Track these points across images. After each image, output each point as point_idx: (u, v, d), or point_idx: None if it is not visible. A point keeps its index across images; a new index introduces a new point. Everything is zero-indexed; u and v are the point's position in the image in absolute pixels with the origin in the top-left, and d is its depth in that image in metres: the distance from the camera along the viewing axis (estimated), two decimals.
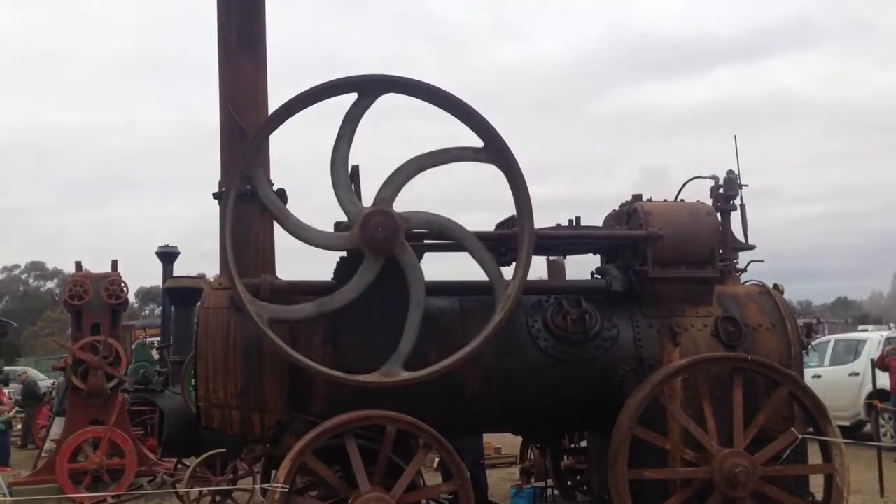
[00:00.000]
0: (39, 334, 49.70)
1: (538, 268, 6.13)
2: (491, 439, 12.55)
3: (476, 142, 5.01)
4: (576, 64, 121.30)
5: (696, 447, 5.28)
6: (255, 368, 5.05)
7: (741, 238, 6.37)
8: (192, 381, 6.36)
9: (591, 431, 6.44)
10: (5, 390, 18.32)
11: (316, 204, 5.24)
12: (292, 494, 4.84)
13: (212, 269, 19.80)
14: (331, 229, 5.08)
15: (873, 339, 16.01)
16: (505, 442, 13.18)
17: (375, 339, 4.99)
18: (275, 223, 5.08)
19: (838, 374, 15.48)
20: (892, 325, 29.19)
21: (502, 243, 5.49)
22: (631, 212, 5.80)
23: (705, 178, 6.35)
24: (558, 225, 5.80)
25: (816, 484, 5.65)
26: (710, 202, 6.20)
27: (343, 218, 5.00)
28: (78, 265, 12.58)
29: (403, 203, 4.96)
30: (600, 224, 6.13)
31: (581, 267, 6.37)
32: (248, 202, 5.01)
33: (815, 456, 5.53)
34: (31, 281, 66.45)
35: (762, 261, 6.47)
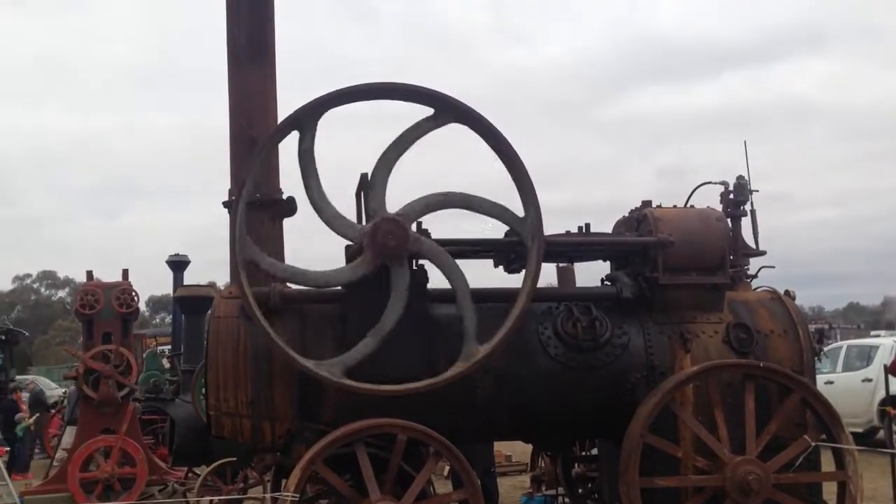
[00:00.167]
0: (51, 343, 49.92)
1: (548, 275, 6.12)
2: (501, 447, 12.49)
3: (478, 142, 4.99)
4: (580, 65, 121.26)
5: (708, 455, 5.25)
6: (265, 377, 5.05)
7: (752, 244, 6.35)
8: (203, 389, 6.38)
9: (602, 439, 6.42)
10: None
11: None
12: (303, 503, 4.84)
13: (222, 278, 19.87)
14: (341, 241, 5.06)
15: (886, 344, 15.84)
16: (515, 450, 13.13)
17: (387, 346, 4.97)
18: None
19: (851, 380, 15.37)
20: None
21: (511, 250, 5.49)
22: (641, 218, 5.78)
23: (715, 183, 6.35)
24: (568, 232, 5.78)
25: (829, 491, 5.61)
26: (720, 208, 6.19)
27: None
28: (89, 274, 12.60)
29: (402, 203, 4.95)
30: (610, 230, 6.11)
31: (591, 274, 6.35)
32: (258, 211, 5.01)
33: (828, 463, 5.51)
34: (42, 290, 66.83)
35: (773, 266, 6.46)
